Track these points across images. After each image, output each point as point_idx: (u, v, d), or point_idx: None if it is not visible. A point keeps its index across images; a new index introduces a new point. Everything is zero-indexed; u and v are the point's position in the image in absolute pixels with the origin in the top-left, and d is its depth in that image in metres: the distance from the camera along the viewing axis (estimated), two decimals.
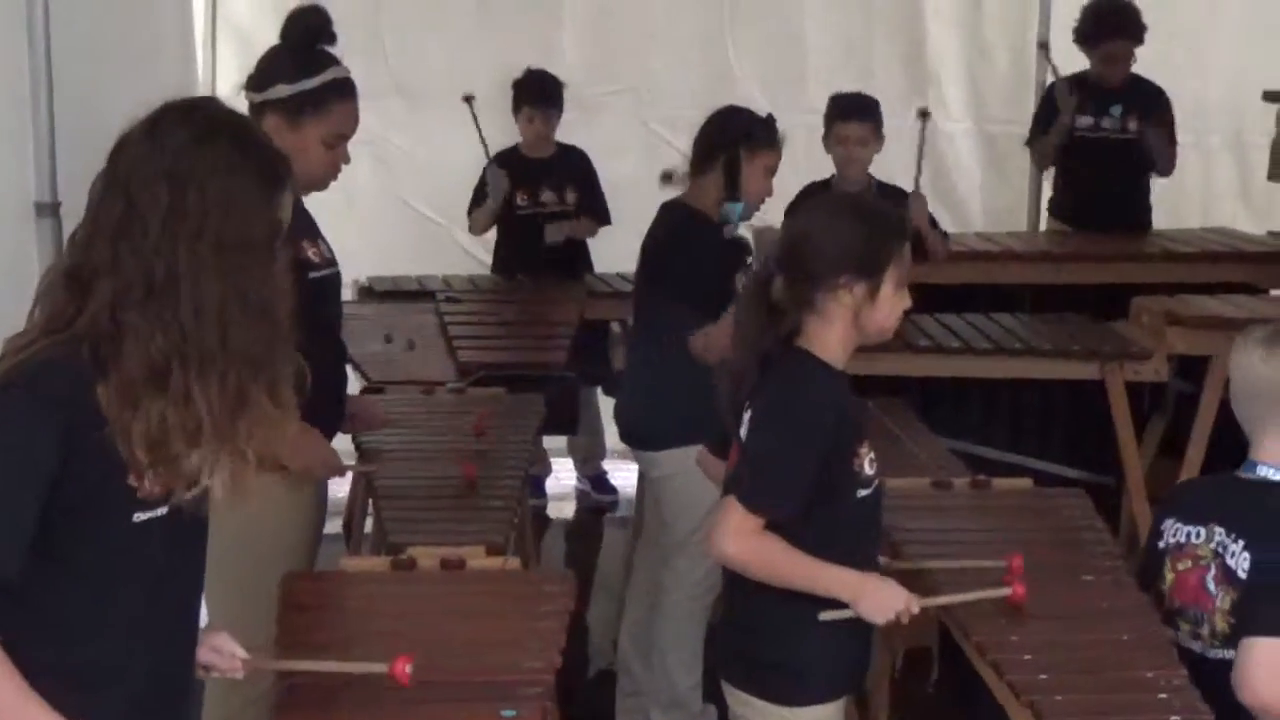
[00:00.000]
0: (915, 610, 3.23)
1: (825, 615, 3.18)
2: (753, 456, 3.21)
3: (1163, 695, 3.14)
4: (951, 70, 7.84)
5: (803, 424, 3.19)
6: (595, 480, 7.32)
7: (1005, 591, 3.43)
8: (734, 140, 4.79)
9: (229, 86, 5.97)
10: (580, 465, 7.38)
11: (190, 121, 2.34)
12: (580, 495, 7.38)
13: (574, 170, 6.72)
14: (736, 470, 3.25)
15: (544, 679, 3.14)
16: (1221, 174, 8.13)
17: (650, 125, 6.91)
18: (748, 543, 3.16)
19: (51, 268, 2.37)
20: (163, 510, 2.36)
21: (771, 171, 4.88)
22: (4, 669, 2.26)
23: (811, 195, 5.97)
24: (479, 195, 6.66)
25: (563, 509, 7.31)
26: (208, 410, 2.27)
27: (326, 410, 3.89)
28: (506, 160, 6.73)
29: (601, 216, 6.75)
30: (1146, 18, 7.15)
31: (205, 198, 2.27)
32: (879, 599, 3.19)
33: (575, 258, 6.78)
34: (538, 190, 6.68)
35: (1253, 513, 3.23)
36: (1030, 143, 7.31)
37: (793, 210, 5.80)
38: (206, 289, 2.26)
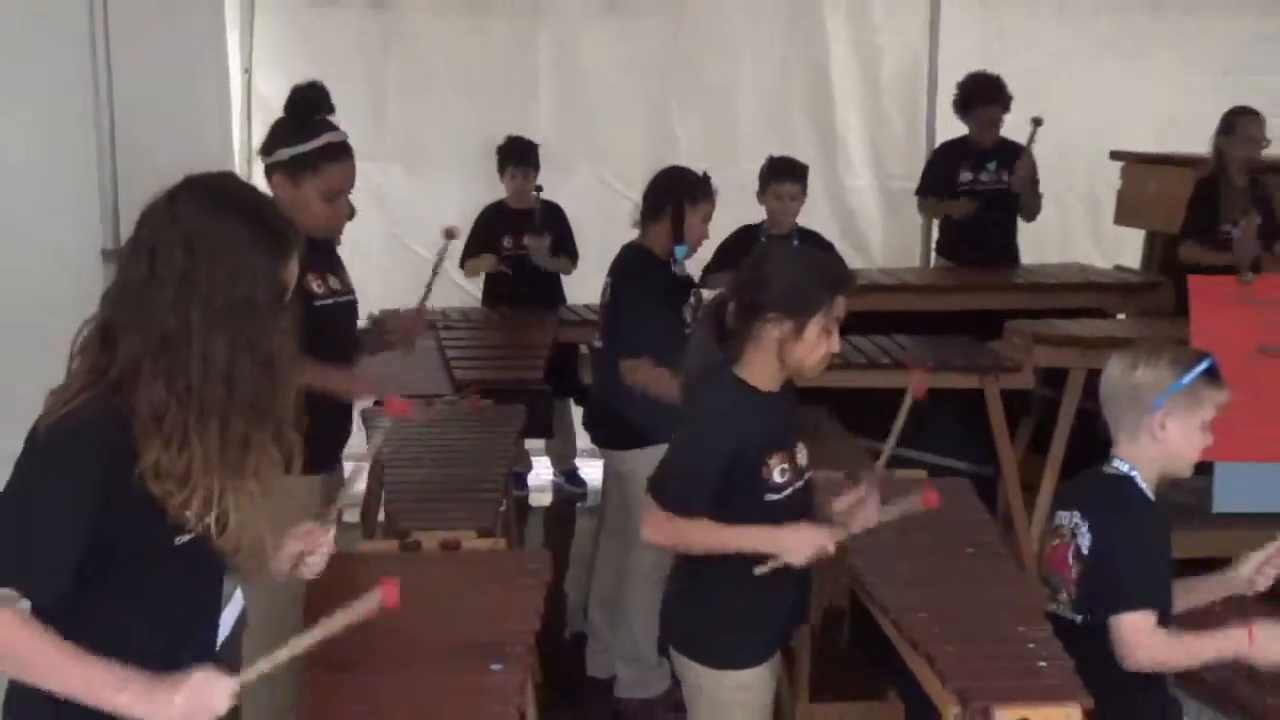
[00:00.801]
0: (831, 547, 3.19)
1: (759, 570, 3.16)
2: (668, 461, 3.22)
3: (1031, 645, 3.17)
4: (855, 136, 7.83)
5: (707, 439, 3.18)
6: (569, 475, 7.31)
7: (918, 500, 3.30)
8: (679, 194, 4.81)
9: None
10: (556, 463, 7.36)
11: (205, 195, 2.28)
12: (556, 488, 7.35)
13: (551, 220, 6.73)
14: (656, 471, 3.25)
15: (526, 639, 3.17)
16: (1077, 218, 8.13)
17: (608, 180, 6.92)
18: (662, 531, 3.17)
19: (86, 323, 2.29)
20: (196, 533, 2.30)
21: (708, 219, 4.90)
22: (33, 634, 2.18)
23: (743, 236, 6.08)
24: (472, 247, 6.66)
25: (541, 499, 7.27)
26: (204, 453, 2.21)
27: (334, 418, 3.88)
28: (496, 211, 6.75)
29: (574, 257, 6.76)
30: (1017, 92, 7.21)
31: (216, 264, 2.20)
32: (798, 542, 3.16)
33: (551, 291, 6.78)
34: (521, 236, 6.69)
35: (1099, 499, 3.22)
36: (920, 192, 7.30)
37: (726, 248, 5.86)
38: (215, 345, 2.20)
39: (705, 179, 4.92)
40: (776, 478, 3.20)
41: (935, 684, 3.16)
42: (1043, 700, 2.96)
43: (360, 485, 5.05)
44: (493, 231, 6.71)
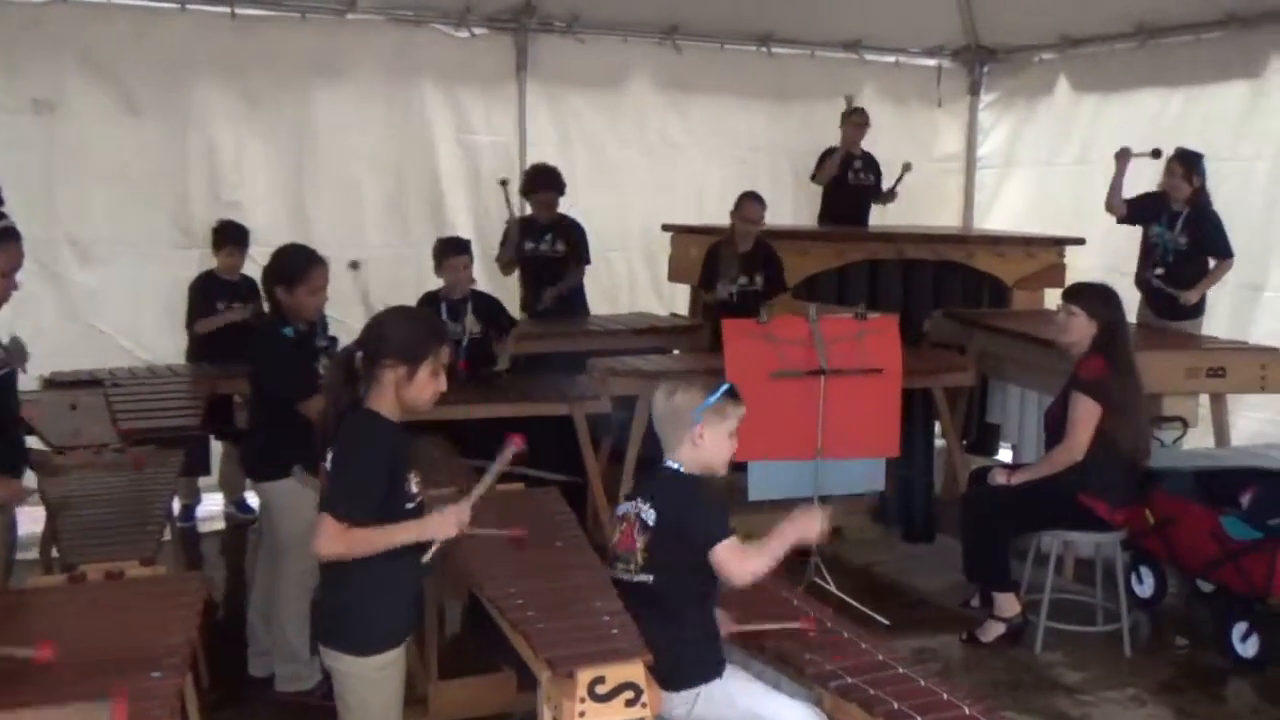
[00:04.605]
0: (466, 518, 3.16)
1: (427, 556, 3.11)
2: (337, 482, 3.10)
3: (605, 617, 3.22)
4: (462, 218, 7.86)
5: (368, 459, 3.09)
6: (239, 504, 6.98)
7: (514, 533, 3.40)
8: (278, 279, 4.55)
9: None
10: (228, 494, 7.04)
11: None
12: (228, 516, 7.01)
13: (255, 289, 6.36)
14: (327, 494, 3.11)
15: (183, 650, 2.99)
16: (641, 276, 8.43)
17: (254, 258, 6.62)
18: (340, 541, 3.03)
19: None
20: None
21: (318, 289, 4.59)
22: None
23: (430, 301, 6.05)
24: (196, 310, 6.48)
25: (217, 524, 6.94)
26: None
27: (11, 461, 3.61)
28: (209, 281, 6.53)
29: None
30: (588, 178, 7.39)
31: None
32: (443, 525, 3.12)
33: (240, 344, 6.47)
34: (232, 303, 6.47)
35: (659, 488, 3.34)
36: (498, 259, 7.34)
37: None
38: None
39: (309, 252, 4.65)
40: (413, 489, 3.18)
41: (531, 655, 3.15)
42: (613, 660, 2.99)
43: (38, 527, 4.70)
44: (209, 298, 6.49)
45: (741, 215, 6.83)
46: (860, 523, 6.72)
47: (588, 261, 7.34)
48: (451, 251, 6.15)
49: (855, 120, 8.25)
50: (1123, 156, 6.97)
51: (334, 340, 4.74)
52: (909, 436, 6.06)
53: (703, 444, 3.32)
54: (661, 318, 7.70)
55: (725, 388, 3.36)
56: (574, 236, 7.27)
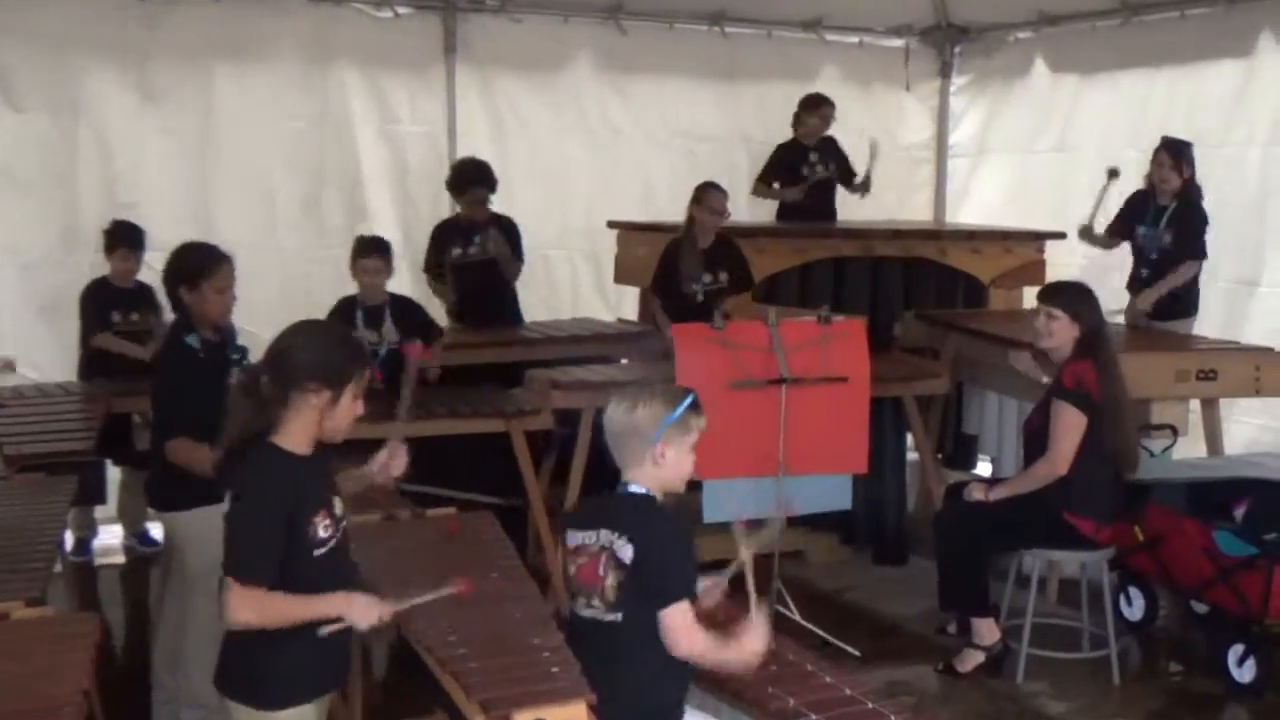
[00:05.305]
0: (388, 616, 3.15)
1: (324, 631, 3.06)
2: (233, 540, 3.05)
3: (546, 654, 3.20)
4: (386, 215, 7.84)
5: (261, 509, 3.04)
6: (140, 536, 6.90)
7: (456, 589, 3.32)
8: (180, 280, 4.52)
9: None
10: (128, 525, 6.95)
11: None
12: (128, 549, 6.92)
13: (152, 297, 6.32)
14: (227, 554, 3.05)
15: (75, 700, 2.93)
16: (585, 278, 8.43)
17: (150, 262, 6.51)
18: (251, 609, 3.00)
19: None
20: None
21: (224, 288, 4.54)
22: None
23: (342, 307, 6.09)
24: (91, 323, 6.38)
25: (116, 558, 6.86)
26: None
27: None
28: (101, 289, 6.43)
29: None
30: (523, 169, 7.35)
31: None
32: (362, 610, 3.10)
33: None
34: (128, 313, 6.40)
35: (629, 516, 3.26)
36: (426, 270, 7.25)
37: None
38: None
39: (210, 251, 4.60)
40: (321, 534, 3.12)
41: (462, 697, 3.13)
42: (553, 701, 2.98)
43: None
44: (103, 308, 6.39)
45: (706, 206, 6.80)
46: (827, 544, 6.75)
47: (521, 261, 7.30)
48: (362, 252, 6.11)
49: (824, 114, 8.21)
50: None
51: (245, 350, 4.67)
52: (878, 450, 6.10)
53: (665, 462, 3.26)
54: (608, 323, 7.68)
55: (689, 400, 3.29)
56: (507, 235, 7.19)
